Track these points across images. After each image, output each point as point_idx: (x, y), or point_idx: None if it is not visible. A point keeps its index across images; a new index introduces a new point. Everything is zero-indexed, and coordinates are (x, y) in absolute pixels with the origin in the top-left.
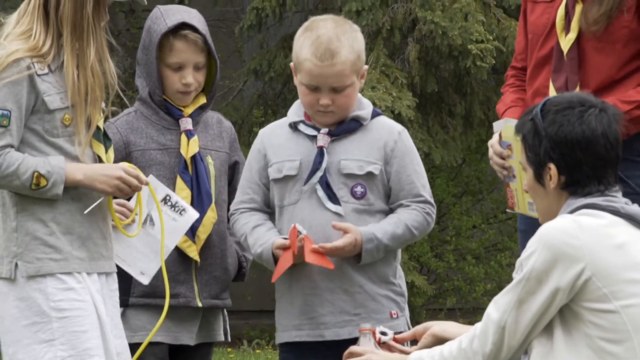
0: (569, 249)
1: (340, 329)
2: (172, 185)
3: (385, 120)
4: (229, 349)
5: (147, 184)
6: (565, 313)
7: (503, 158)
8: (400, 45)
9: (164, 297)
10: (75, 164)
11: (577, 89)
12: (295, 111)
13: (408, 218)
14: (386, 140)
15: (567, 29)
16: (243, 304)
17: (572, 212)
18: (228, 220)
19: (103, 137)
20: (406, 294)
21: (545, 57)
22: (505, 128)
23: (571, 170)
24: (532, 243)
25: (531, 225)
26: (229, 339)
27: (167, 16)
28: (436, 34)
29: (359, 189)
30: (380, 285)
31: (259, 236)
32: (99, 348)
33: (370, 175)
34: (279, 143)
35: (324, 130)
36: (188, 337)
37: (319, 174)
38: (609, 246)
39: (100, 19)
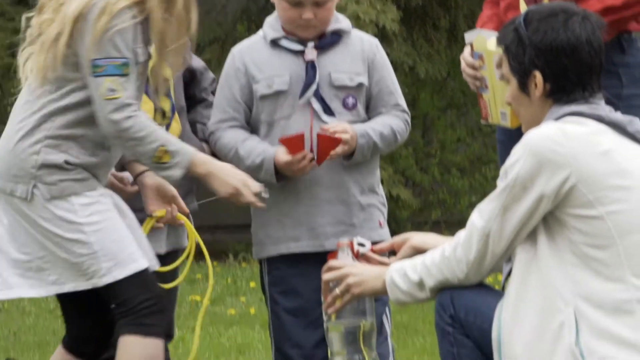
0: (554, 155)
1: (338, 238)
2: None
3: (360, 33)
4: (215, 263)
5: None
6: (549, 220)
7: (475, 69)
8: None
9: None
10: (206, 157)
11: None
12: (272, 27)
13: (392, 122)
14: (367, 52)
15: None
16: (228, 218)
17: (557, 119)
18: (193, 130)
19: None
20: (386, 205)
21: None
22: (477, 39)
23: (556, 77)
24: (517, 150)
25: (509, 136)
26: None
27: None
28: None
29: (350, 100)
30: (369, 195)
31: (253, 147)
32: (138, 250)
33: (360, 86)
34: (262, 59)
35: (311, 44)
36: (157, 245)
37: (314, 87)
38: (594, 153)
39: None
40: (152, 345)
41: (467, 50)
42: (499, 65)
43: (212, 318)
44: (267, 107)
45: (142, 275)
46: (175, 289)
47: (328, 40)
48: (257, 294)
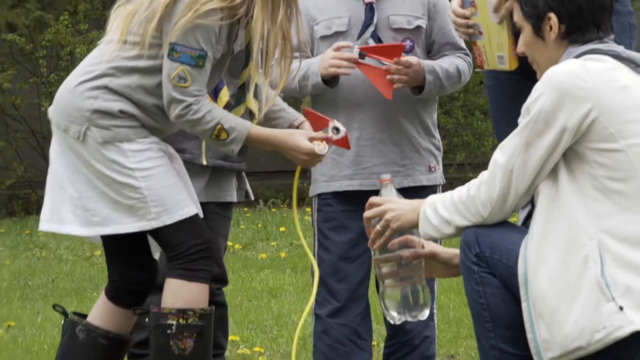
0: (576, 90)
1: (396, 178)
2: None
3: None
4: (245, 209)
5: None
6: (570, 156)
7: (467, 18)
8: None
9: None
10: (262, 130)
11: None
12: None
13: (458, 62)
14: None
15: None
16: (257, 165)
17: (576, 57)
18: None
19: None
20: (442, 149)
21: None
22: None
23: (572, 17)
24: (539, 86)
25: (498, 80)
26: (251, 197)
27: None
28: None
29: (408, 43)
30: (424, 138)
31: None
32: (187, 197)
33: (418, 29)
34: (323, 1)
35: None
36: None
37: (371, 28)
38: (614, 88)
39: None
40: (197, 289)
41: (455, 2)
42: (497, 9)
43: (243, 262)
44: (326, 48)
45: (191, 221)
46: (225, 236)
47: None
48: (287, 239)
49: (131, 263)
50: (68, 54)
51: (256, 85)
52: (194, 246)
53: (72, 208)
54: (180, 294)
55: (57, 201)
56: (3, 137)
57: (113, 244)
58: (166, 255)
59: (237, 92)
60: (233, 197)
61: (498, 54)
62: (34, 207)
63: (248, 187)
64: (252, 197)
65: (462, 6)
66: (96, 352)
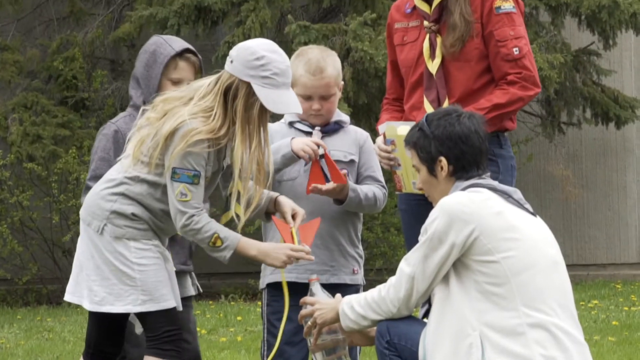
0: (462, 214)
1: (321, 275)
2: None
3: (355, 127)
4: (210, 302)
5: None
6: (458, 266)
7: (388, 152)
8: None
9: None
10: (250, 240)
11: (447, 99)
12: (290, 115)
13: (376, 190)
14: (359, 140)
15: (432, 56)
16: (221, 267)
17: (462, 190)
18: None
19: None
20: (363, 257)
21: (417, 82)
22: (388, 129)
23: (457, 159)
24: (435, 211)
25: (410, 205)
26: (200, 291)
27: (172, 42)
28: (365, 60)
29: (344, 172)
30: (350, 247)
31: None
32: (170, 294)
33: (352, 162)
34: (282, 133)
35: (318, 127)
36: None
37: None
38: (491, 213)
39: (264, 121)
40: None
41: (380, 139)
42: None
43: (208, 344)
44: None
45: (169, 312)
46: (194, 322)
47: (331, 127)
48: (242, 326)
49: (109, 334)
50: (74, 179)
51: (239, 194)
52: (168, 331)
53: (85, 287)
54: None
55: (79, 279)
56: (22, 243)
57: (100, 319)
58: (145, 335)
59: (225, 201)
60: (191, 291)
61: (413, 180)
62: (44, 299)
63: (197, 283)
64: (201, 290)
65: (385, 143)
66: None
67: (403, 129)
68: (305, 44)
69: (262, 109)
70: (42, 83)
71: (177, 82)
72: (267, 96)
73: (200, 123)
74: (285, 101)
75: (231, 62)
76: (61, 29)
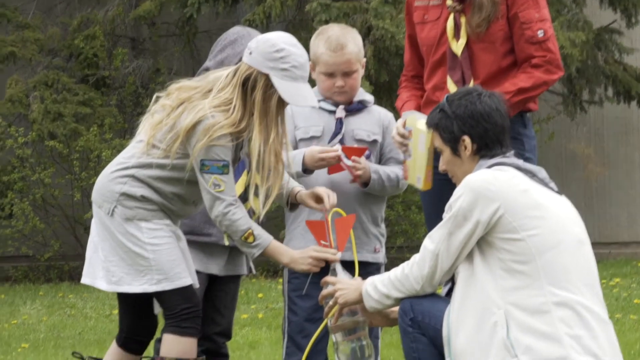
0: (487, 192)
1: (344, 253)
2: None
3: (380, 108)
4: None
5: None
6: (482, 244)
7: (404, 138)
8: None
9: (200, 234)
10: (280, 245)
11: (472, 80)
12: (315, 94)
13: (398, 172)
14: (383, 120)
15: (457, 36)
16: None
17: (486, 168)
18: None
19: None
20: (385, 236)
21: (438, 61)
22: (410, 117)
23: (480, 137)
24: (460, 189)
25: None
26: (254, 272)
27: (255, 35)
28: (386, 38)
29: (366, 152)
30: (372, 226)
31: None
32: (185, 271)
33: (374, 142)
34: (305, 114)
35: (341, 106)
36: (216, 268)
37: (339, 137)
38: (517, 191)
39: (282, 113)
40: (187, 342)
41: (400, 122)
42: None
43: None
44: (304, 147)
45: (185, 289)
46: (234, 299)
47: (354, 107)
48: (264, 303)
49: (137, 317)
50: (96, 157)
51: (256, 186)
52: (185, 309)
53: (101, 268)
54: (173, 346)
55: (93, 261)
56: (43, 220)
57: (125, 301)
58: (164, 314)
59: (242, 194)
60: (243, 270)
61: (417, 175)
62: (66, 275)
63: (251, 264)
64: (254, 272)
65: (404, 127)
66: None
67: (422, 123)
68: (326, 22)
69: (280, 101)
70: (63, 61)
71: None
72: (286, 88)
73: (222, 116)
74: (303, 94)
75: (250, 53)
76: (82, 7)
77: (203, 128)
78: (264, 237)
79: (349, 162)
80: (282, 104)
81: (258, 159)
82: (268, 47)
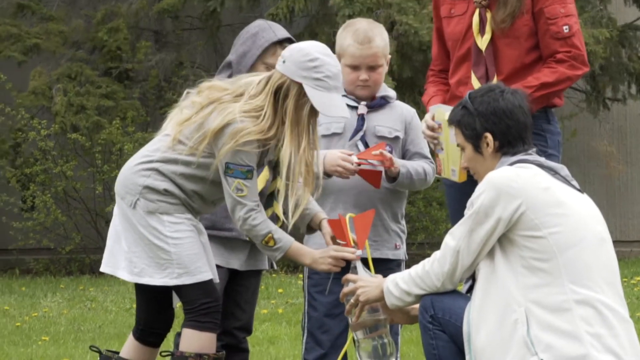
0: (509, 189)
1: (365, 250)
2: None
3: (402, 104)
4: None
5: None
6: (503, 241)
7: (434, 131)
8: None
9: (221, 229)
10: (301, 246)
11: (495, 76)
12: None
13: (425, 165)
14: (406, 116)
15: (482, 32)
16: None
17: (509, 165)
18: None
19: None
20: (406, 233)
21: (463, 56)
22: (438, 110)
23: (503, 134)
24: (481, 185)
25: (454, 182)
26: (275, 267)
27: (276, 29)
28: (409, 33)
29: (387, 148)
30: (392, 223)
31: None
32: (206, 266)
33: (396, 138)
34: None
35: (364, 102)
36: (237, 263)
37: (360, 134)
38: (538, 188)
39: (314, 123)
40: (206, 337)
41: (429, 116)
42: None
43: None
44: (325, 145)
45: (205, 284)
46: (255, 294)
47: (377, 102)
48: (284, 299)
49: (154, 310)
50: (118, 150)
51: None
52: (205, 303)
53: (123, 258)
54: (193, 341)
55: (115, 251)
56: (65, 213)
57: (144, 293)
58: (183, 308)
59: (267, 198)
60: (265, 265)
61: (452, 167)
62: (87, 268)
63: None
64: (275, 267)
65: (434, 119)
66: None
67: None
68: (350, 16)
69: (312, 111)
70: (87, 54)
71: (270, 68)
72: (319, 98)
73: (250, 122)
74: (335, 104)
75: (283, 62)
76: None
77: (231, 132)
78: (285, 240)
79: (373, 161)
80: (313, 113)
81: (288, 167)
82: (302, 56)
